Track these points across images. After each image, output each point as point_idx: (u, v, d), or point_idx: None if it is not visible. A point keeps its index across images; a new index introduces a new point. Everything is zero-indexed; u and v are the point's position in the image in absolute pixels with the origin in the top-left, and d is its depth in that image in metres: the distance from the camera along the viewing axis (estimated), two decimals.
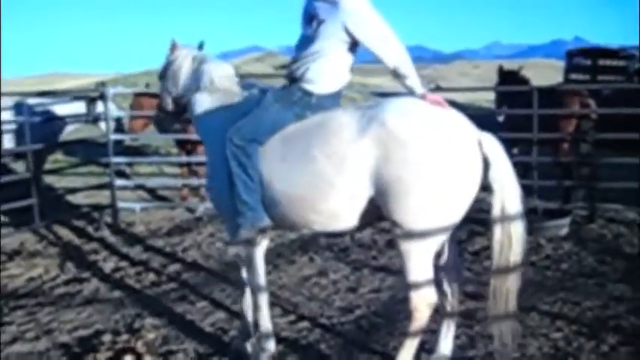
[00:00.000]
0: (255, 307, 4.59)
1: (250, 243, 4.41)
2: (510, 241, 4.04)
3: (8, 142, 8.62)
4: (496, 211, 4.01)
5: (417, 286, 3.93)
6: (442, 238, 3.99)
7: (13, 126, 8.56)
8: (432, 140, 3.78)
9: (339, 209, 4.04)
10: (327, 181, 3.96)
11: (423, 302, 3.95)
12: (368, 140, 3.84)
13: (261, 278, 4.53)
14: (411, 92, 4.12)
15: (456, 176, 3.84)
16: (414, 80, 4.09)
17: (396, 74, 4.12)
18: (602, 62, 16.76)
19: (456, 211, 3.93)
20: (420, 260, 3.91)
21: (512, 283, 4.07)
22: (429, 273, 3.95)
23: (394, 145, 3.77)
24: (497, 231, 4.02)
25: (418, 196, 3.77)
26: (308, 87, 4.25)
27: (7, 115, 8.42)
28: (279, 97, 4.32)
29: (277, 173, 4.17)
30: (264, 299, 4.57)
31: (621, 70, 15.91)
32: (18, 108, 8.67)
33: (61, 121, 9.18)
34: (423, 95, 4.04)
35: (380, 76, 34.47)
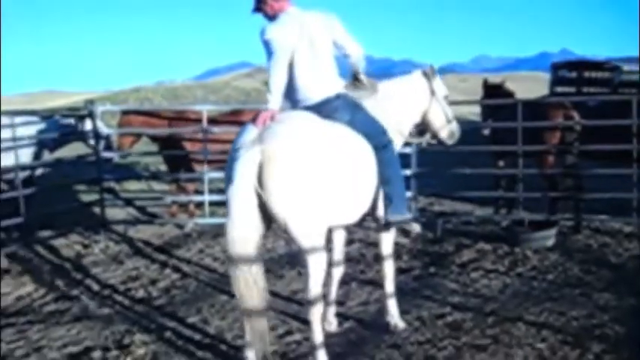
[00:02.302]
0: None
1: None
2: (238, 283, 4.19)
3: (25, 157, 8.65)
4: None
5: None
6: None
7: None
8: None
9: None
10: None
11: None
12: None
13: None
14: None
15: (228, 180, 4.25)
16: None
17: None
18: (587, 74, 16.93)
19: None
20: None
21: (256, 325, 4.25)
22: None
23: None
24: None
25: None
26: None
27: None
28: None
29: None
30: None
31: (606, 82, 16.06)
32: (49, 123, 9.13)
33: (52, 140, 9.19)
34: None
35: None
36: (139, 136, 9.95)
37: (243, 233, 4.13)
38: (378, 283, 6.63)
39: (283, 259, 7.69)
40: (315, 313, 4.51)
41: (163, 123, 9.83)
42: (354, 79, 5.22)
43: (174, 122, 9.83)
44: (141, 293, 6.76)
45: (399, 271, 7.20)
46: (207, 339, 5.45)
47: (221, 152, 9.51)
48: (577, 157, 8.77)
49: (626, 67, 15.99)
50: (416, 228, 5.03)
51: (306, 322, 5.54)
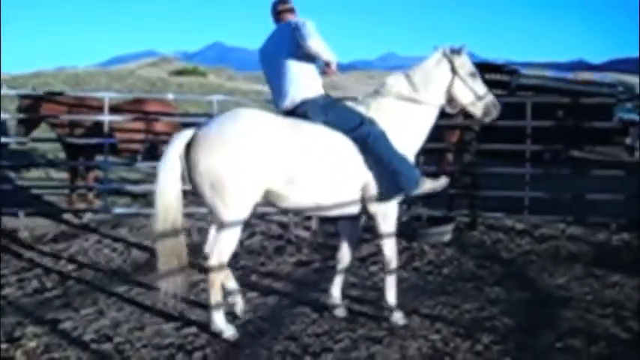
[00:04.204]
0: None
1: None
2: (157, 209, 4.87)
3: None
4: None
5: None
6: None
7: None
8: None
9: None
10: None
11: None
12: None
13: None
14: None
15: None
16: None
17: None
18: (487, 76, 17.48)
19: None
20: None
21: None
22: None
23: None
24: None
25: None
26: None
27: None
28: None
29: None
30: None
31: (504, 84, 16.65)
32: None
33: None
34: None
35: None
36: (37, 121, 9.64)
37: (165, 186, 4.81)
38: (277, 275, 6.71)
39: None
40: (215, 281, 5.10)
41: (63, 109, 9.56)
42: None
43: (74, 109, 9.57)
44: (34, 284, 6.55)
45: (300, 264, 7.28)
46: (102, 331, 5.32)
47: (122, 141, 9.33)
48: (474, 155, 9.06)
49: (523, 71, 16.62)
50: (443, 183, 5.27)
51: (202, 315, 5.53)
